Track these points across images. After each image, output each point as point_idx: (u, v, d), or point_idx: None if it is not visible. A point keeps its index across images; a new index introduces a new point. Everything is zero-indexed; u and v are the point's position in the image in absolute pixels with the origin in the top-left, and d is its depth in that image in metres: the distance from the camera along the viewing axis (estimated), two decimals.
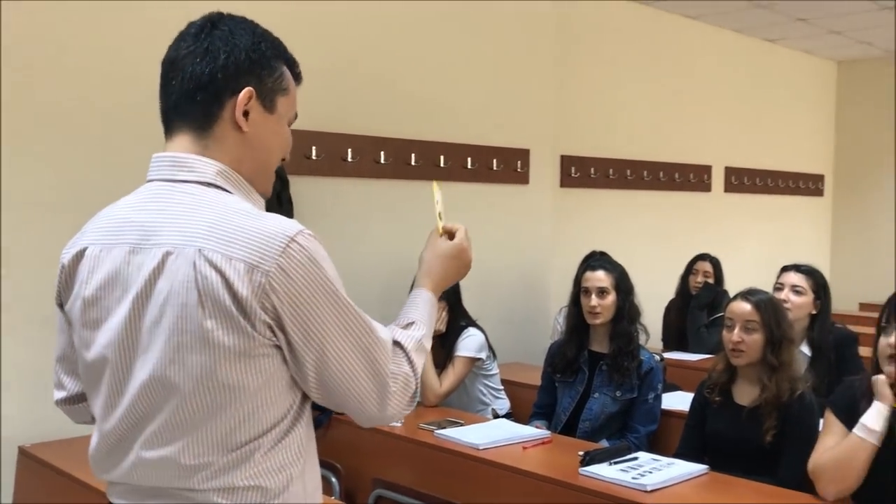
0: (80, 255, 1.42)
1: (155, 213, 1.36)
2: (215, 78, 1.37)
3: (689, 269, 4.93)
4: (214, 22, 1.41)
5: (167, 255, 1.31)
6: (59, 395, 1.56)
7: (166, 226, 1.34)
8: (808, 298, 3.52)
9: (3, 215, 3.01)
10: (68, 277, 1.43)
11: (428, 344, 1.53)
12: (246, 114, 1.39)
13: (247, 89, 1.38)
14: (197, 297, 1.28)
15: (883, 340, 2.37)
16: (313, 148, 3.86)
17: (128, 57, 3.28)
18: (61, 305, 1.48)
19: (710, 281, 4.82)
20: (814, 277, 3.60)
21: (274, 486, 1.35)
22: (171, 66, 1.41)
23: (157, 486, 1.36)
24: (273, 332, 1.30)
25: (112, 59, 3.27)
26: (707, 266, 4.85)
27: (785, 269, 3.68)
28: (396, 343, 1.45)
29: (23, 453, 2.94)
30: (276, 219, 1.35)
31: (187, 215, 1.33)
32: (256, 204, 1.42)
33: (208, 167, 1.38)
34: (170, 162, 1.39)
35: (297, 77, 1.48)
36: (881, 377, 2.35)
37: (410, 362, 1.45)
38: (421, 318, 1.55)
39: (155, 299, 1.32)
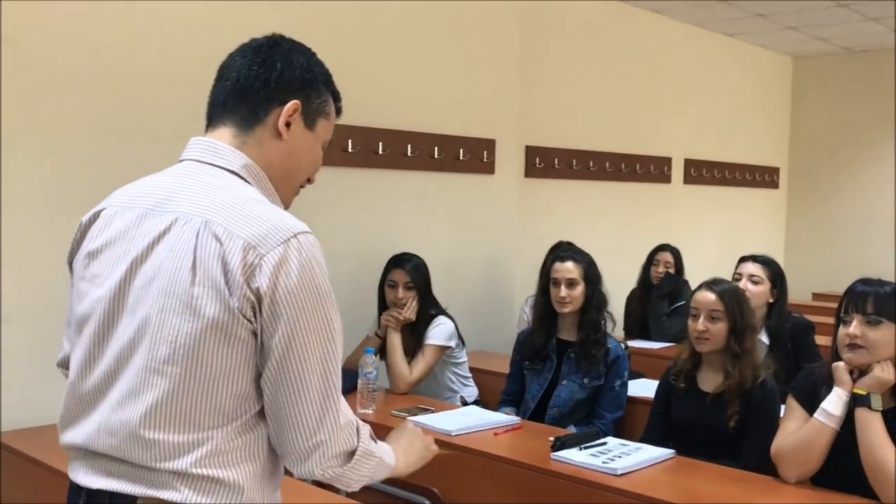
0: (96, 216, 1.50)
1: (175, 186, 1.44)
2: (268, 85, 1.47)
3: (651, 260, 5.03)
4: (276, 40, 1.52)
5: (175, 221, 1.38)
6: (59, 356, 1.62)
7: (182, 198, 1.41)
8: (765, 288, 3.65)
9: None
10: (81, 235, 1.51)
11: (376, 466, 1.50)
12: (288, 125, 1.48)
13: (294, 101, 1.48)
14: (192, 262, 1.33)
15: (842, 330, 2.47)
16: None
17: (128, 56, 3.28)
18: (71, 263, 1.54)
19: (671, 271, 4.92)
20: (770, 267, 3.74)
21: (230, 480, 1.36)
22: (227, 68, 1.50)
23: (118, 459, 1.37)
24: (253, 313, 1.33)
25: (112, 58, 3.24)
26: (668, 256, 4.96)
27: (743, 259, 3.82)
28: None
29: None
30: (287, 215, 1.41)
31: (204, 192, 1.40)
32: (276, 206, 1.46)
33: (237, 158, 1.46)
34: (204, 146, 1.48)
35: (339, 111, 1.60)
36: (841, 364, 2.45)
37: (359, 435, 1.45)
38: (383, 447, 1.57)
39: (152, 262, 1.37)
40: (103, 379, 1.40)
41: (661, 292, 4.86)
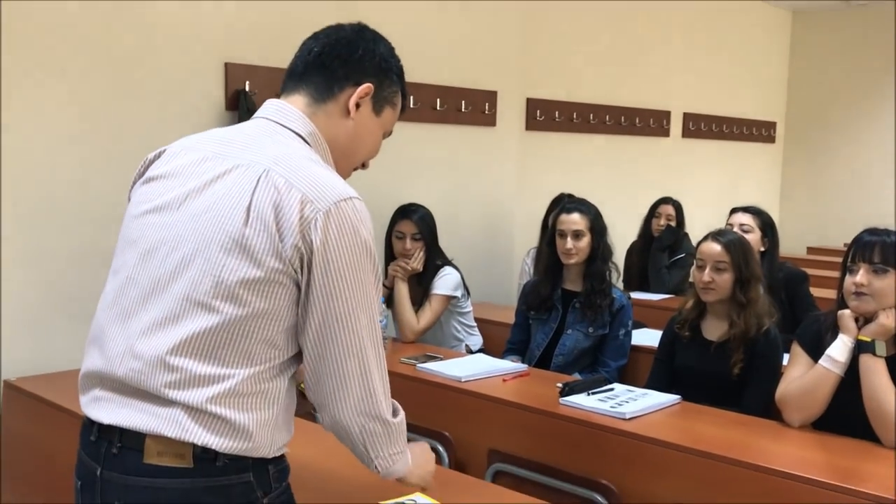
0: (160, 153, 1.55)
1: (241, 137, 1.50)
2: (347, 63, 1.54)
3: (652, 212, 5.06)
4: (363, 27, 1.61)
5: (236, 166, 1.43)
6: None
7: (246, 148, 1.46)
8: (755, 236, 3.74)
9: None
10: (144, 169, 1.56)
11: (399, 454, 1.57)
12: (357, 106, 1.55)
13: (368, 84, 1.55)
14: (248, 204, 1.38)
15: (848, 279, 2.51)
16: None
17: (129, 55, 3.27)
18: (130, 195, 1.59)
19: (672, 223, 4.96)
20: (760, 217, 3.83)
21: (241, 424, 1.38)
22: (312, 42, 1.57)
23: (133, 388, 1.40)
24: (300, 264, 1.37)
25: (112, 58, 3.23)
26: (670, 209, 4.99)
27: (733, 210, 3.94)
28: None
29: (8, 387, 2.96)
30: (343, 181, 1.46)
31: (269, 147, 1.46)
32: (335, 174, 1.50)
33: (305, 124, 1.52)
34: (277, 108, 1.55)
35: (405, 107, 1.67)
36: (846, 311, 2.50)
37: (395, 412, 1.54)
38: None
39: (207, 196, 1.42)
40: (138, 302, 1.43)
41: (662, 245, 4.90)
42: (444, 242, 4.03)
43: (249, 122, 1.56)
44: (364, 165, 1.67)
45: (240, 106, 3.54)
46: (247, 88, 3.58)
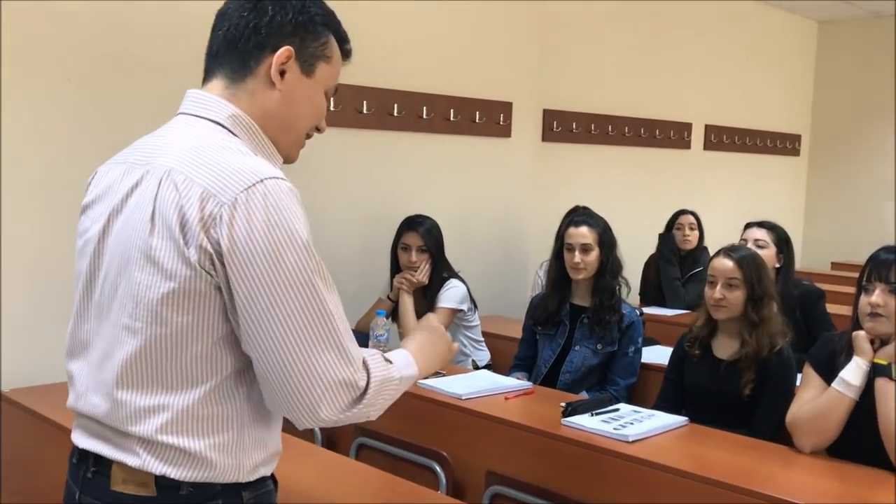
0: (95, 174, 1.49)
1: (160, 140, 1.41)
2: (258, 31, 1.39)
3: (673, 224, 4.94)
4: None
5: (146, 173, 1.34)
6: None
7: (161, 151, 1.37)
8: (770, 252, 3.62)
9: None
10: (85, 192, 1.49)
11: (396, 387, 1.41)
12: (283, 73, 1.40)
13: (286, 48, 1.39)
14: (151, 213, 1.30)
15: (864, 299, 2.41)
16: None
17: (132, 56, 3.24)
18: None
19: (695, 232, 4.84)
20: (776, 232, 3.71)
21: (194, 450, 1.30)
22: (222, 17, 1.44)
23: (97, 421, 1.37)
24: (213, 266, 1.26)
25: (117, 60, 3.21)
26: (690, 219, 4.88)
27: (748, 225, 3.84)
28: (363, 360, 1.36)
29: (4, 399, 2.92)
30: (258, 161, 1.33)
31: (179, 143, 1.36)
32: (269, 159, 1.40)
33: (223, 109, 1.40)
34: (193, 99, 1.43)
35: (346, 53, 1.50)
36: (861, 333, 2.39)
37: (368, 370, 1.35)
38: (400, 361, 1.45)
39: (123, 214, 1.35)
40: (89, 338, 1.40)
41: (669, 256, 4.80)
42: (457, 254, 3.96)
43: (170, 122, 1.45)
44: (319, 129, 1.50)
45: None
46: None
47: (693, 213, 4.92)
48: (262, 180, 1.27)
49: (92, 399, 1.38)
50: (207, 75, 1.45)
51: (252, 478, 1.37)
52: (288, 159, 1.48)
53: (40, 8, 3.00)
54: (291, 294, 1.26)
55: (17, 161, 2.99)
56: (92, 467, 1.38)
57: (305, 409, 1.30)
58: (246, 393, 1.35)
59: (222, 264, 1.25)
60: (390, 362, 1.42)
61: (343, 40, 1.49)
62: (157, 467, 1.31)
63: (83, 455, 1.40)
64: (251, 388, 1.36)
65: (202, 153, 1.31)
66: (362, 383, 1.34)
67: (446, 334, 1.66)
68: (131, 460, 1.32)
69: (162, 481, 1.31)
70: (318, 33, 1.43)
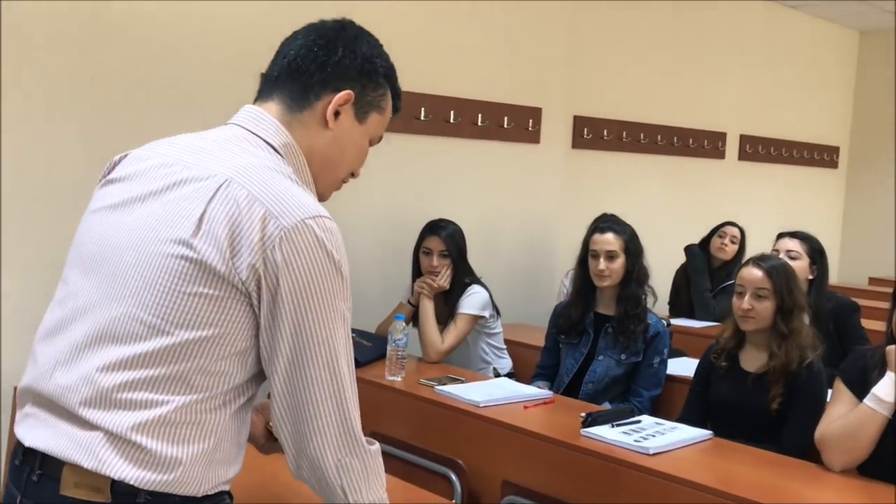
0: (126, 155, 1.46)
1: (208, 144, 1.38)
2: (324, 68, 1.41)
3: (714, 232, 4.83)
4: (344, 24, 1.47)
5: (197, 175, 1.31)
6: None
7: (211, 155, 1.35)
8: (803, 263, 3.53)
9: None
10: (109, 170, 1.46)
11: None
12: (337, 114, 1.42)
13: (347, 91, 1.41)
14: (200, 215, 1.26)
15: None
16: None
17: (129, 50, 3.22)
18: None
19: (736, 245, 4.73)
20: (809, 243, 3.61)
21: (166, 455, 1.25)
22: (290, 44, 1.45)
23: (59, 406, 1.29)
24: (259, 286, 1.25)
25: (113, 54, 3.19)
26: (735, 231, 4.77)
27: (780, 235, 3.75)
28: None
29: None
30: (312, 199, 1.34)
31: (236, 156, 1.34)
32: (307, 191, 1.39)
33: (280, 135, 1.40)
34: (253, 115, 1.43)
35: (396, 109, 1.53)
36: (895, 347, 2.29)
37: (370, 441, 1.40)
38: None
39: (160, 202, 1.31)
40: (80, 313, 1.33)
41: (699, 267, 4.69)
42: (483, 261, 3.90)
43: (221, 128, 1.43)
44: (353, 175, 1.54)
45: None
46: None
47: (740, 228, 4.82)
48: (319, 216, 1.29)
49: (60, 379, 1.29)
50: (263, 96, 1.45)
51: (212, 492, 1.33)
52: (321, 198, 1.47)
53: (40, 7, 2.99)
54: (335, 327, 1.30)
55: (19, 155, 2.99)
56: (38, 469, 1.29)
57: (331, 435, 1.32)
58: (237, 406, 1.33)
59: (269, 287, 1.25)
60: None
61: (397, 96, 1.52)
62: (118, 468, 1.23)
63: (29, 454, 1.31)
64: (244, 400, 1.35)
65: (262, 173, 1.31)
66: (365, 445, 1.38)
67: None
68: (87, 461, 1.24)
69: (118, 487, 1.24)
70: (378, 84, 1.46)
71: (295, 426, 1.32)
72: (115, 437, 1.24)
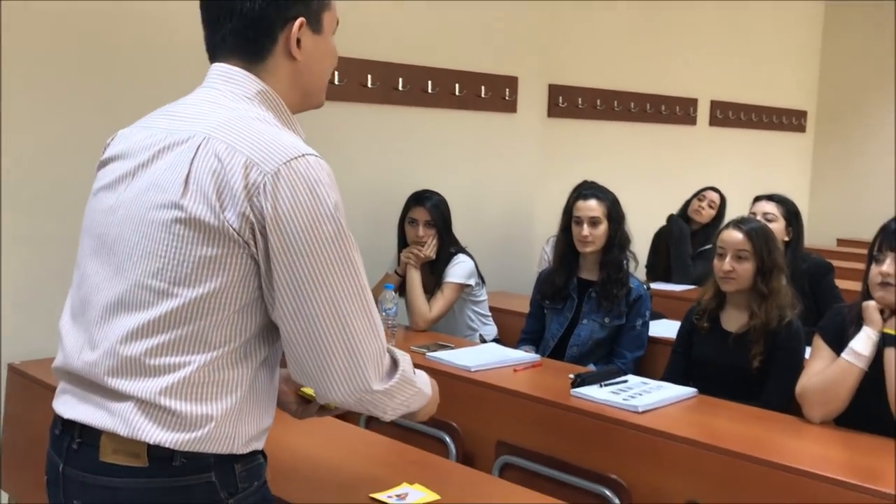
0: (115, 135, 1.49)
1: (188, 108, 1.40)
2: (267, 13, 1.38)
3: (695, 195, 4.91)
4: None
5: (179, 139, 1.34)
6: None
7: (191, 119, 1.37)
8: (779, 225, 3.63)
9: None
10: (103, 152, 1.49)
11: (412, 396, 1.46)
12: (298, 42, 1.41)
13: (299, 20, 1.40)
14: (185, 176, 1.29)
15: (874, 269, 2.40)
16: None
17: (133, 51, 3.23)
18: None
19: (713, 211, 4.83)
20: (785, 205, 3.71)
21: (195, 414, 1.28)
22: (217, 4, 1.41)
23: (89, 381, 1.33)
24: (254, 234, 1.27)
25: (112, 52, 3.19)
26: (715, 196, 4.86)
27: (757, 198, 3.83)
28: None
29: (12, 370, 2.93)
30: (295, 138, 1.35)
31: (214, 112, 1.36)
32: (296, 135, 1.41)
33: (251, 84, 1.41)
34: (222, 72, 1.42)
35: None
36: (871, 303, 2.39)
37: (398, 364, 1.42)
38: (422, 377, 1.52)
39: (150, 172, 1.35)
40: (94, 291, 1.37)
41: (683, 234, 4.78)
42: (463, 230, 3.95)
43: (196, 91, 1.45)
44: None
45: None
46: None
47: (720, 194, 4.90)
48: (303, 155, 1.30)
49: (86, 356, 1.34)
50: (221, 57, 1.43)
51: (245, 450, 1.37)
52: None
53: (41, 7, 2.98)
54: (332, 267, 1.29)
55: (19, 146, 2.99)
56: (77, 438, 1.34)
57: (341, 377, 1.33)
58: (260, 359, 1.36)
59: (262, 234, 1.27)
60: (415, 373, 1.48)
61: None
62: (152, 433, 1.27)
63: (68, 425, 1.36)
64: (265, 353, 1.37)
65: (240, 124, 1.33)
66: (388, 363, 1.40)
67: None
68: (122, 428, 1.28)
69: (155, 451, 1.29)
70: None
71: (304, 371, 1.34)
72: (145, 404, 1.28)
